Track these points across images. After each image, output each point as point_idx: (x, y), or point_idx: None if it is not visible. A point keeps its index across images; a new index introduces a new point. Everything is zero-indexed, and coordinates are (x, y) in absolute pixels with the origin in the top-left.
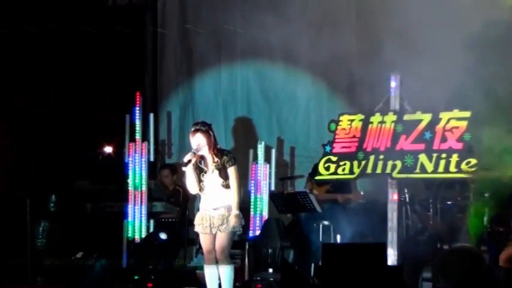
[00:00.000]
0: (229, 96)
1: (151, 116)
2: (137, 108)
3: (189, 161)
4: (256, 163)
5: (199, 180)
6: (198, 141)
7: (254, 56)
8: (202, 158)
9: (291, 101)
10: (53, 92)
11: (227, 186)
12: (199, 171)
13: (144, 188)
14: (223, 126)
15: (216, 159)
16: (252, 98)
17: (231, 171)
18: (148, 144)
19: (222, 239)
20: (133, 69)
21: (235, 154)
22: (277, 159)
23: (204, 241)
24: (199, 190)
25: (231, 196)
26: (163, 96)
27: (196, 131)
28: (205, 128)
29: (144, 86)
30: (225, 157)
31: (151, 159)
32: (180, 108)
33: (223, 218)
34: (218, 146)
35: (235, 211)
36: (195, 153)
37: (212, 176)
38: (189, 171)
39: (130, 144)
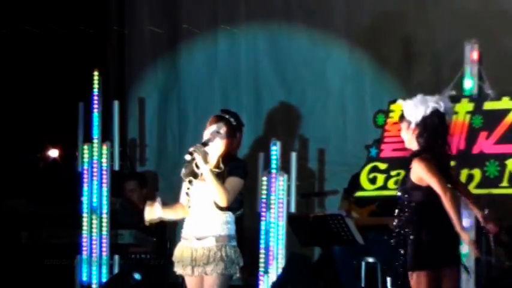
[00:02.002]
0: (229, 75)
1: (116, 104)
2: (95, 94)
3: (195, 150)
4: (269, 173)
5: (187, 187)
6: (216, 129)
7: (265, 16)
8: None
9: (318, 82)
10: None
11: (221, 208)
12: (190, 173)
13: (105, 209)
14: None
15: (221, 165)
16: (262, 78)
17: (232, 181)
18: (112, 146)
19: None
20: (89, 35)
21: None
22: (299, 168)
23: (188, 287)
24: (186, 204)
25: (221, 216)
26: (134, 76)
27: (219, 117)
28: (235, 123)
29: (106, 61)
30: (233, 163)
31: (116, 167)
32: (158, 94)
33: (211, 253)
34: (233, 153)
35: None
36: (206, 143)
37: (203, 187)
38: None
39: (85, 146)
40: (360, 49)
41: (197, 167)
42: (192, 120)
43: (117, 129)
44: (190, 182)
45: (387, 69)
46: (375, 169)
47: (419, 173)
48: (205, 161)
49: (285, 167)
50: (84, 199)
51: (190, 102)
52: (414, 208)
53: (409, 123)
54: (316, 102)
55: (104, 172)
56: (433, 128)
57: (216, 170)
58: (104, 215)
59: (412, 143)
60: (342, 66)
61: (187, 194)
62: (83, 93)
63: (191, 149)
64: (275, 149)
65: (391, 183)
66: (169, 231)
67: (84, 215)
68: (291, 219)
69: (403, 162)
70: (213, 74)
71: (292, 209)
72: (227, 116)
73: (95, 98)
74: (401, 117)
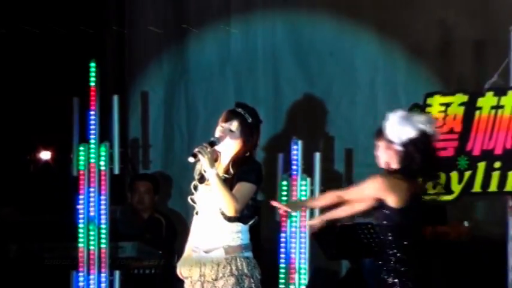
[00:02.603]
0: (244, 66)
1: (116, 99)
2: (92, 87)
3: (200, 151)
4: (289, 176)
5: (191, 193)
6: (230, 128)
7: (284, 1)
8: (215, 158)
9: (345, 74)
10: None
11: (229, 218)
12: (197, 176)
13: (103, 219)
14: None
15: (231, 169)
16: (282, 69)
17: (241, 187)
18: (111, 147)
19: None
20: (86, 23)
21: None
22: (323, 170)
23: None
24: (194, 211)
25: (230, 224)
26: (137, 67)
27: (233, 114)
28: (252, 120)
29: (104, 50)
30: (245, 167)
31: (116, 170)
32: (164, 87)
33: (220, 267)
34: (249, 155)
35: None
36: (214, 143)
37: (210, 192)
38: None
39: (81, 147)
40: (392, 36)
41: (200, 181)
42: (202, 116)
43: (117, 127)
44: (195, 187)
45: (423, 59)
46: None
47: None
48: (212, 164)
49: (307, 170)
50: (80, 207)
51: (200, 96)
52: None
53: (391, 142)
54: (342, 96)
55: (103, 177)
56: (425, 149)
57: (225, 175)
58: (103, 225)
59: (391, 162)
60: (371, 56)
61: (192, 200)
62: (78, 87)
63: (196, 150)
64: (296, 149)
65: (429, 187)
66: (178, 243)
67: (80, 225)
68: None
69: (442, 164)
70: (226, 64)
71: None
72: (242, 112)
73: (92, 92)
74: (379, 134)
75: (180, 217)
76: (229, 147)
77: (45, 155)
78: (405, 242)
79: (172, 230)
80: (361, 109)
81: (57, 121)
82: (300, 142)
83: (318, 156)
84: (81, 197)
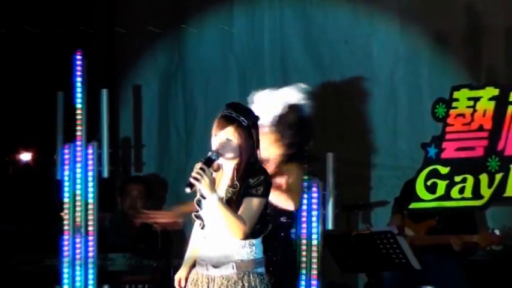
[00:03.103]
0: (249, 55)
1: (105, 93)
2: (78, 81)
3: (197, 178)
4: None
5: (196, 209)
6: (226, 137)
7: None
8: (217, 168)
9: (361, 65)
10: None
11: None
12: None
13: (91, 227)
14: None
15: (237, 181)
16: (291, 59)
17: (249, 205)
18: (100, 147)
19: None
20: (75, 17)
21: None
22: (336, 173)
23: None
24: (200, 227)
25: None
26: (128, 57)
27: (226, 120)
28: (246, 122)
29: (92, 39)
30: (251, 180)
31: (105, 173)
32: (159, 80)
33: (230, 283)
34: (253, 160)
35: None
36: (212, 160)
37: None
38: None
39: (66, 147)
40: (415, 22)
41: (203, 196)
42: (201, 112)
43: (106, 125)
44: (198, 203)
45: (449, 48)
46: (434, 174)
47: None
48: (212, 188)
49: (318, 172)
50: (65, 214)
51: (199, 90)
52: None
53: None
54: (359, 89)
55: (90, 180)
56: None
57: (232, 189)
58: (90, 235)
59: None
60: (391, 45)
61: (196, 216)
62: (63, 81)
63: (191, 177)
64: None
65: (454, 192)
66: (174, 254)
67: (65, 235)
68: (328, 238)
69: (470, 165)
70: (228, 55)
71: (329, 226)
72: (236, 116)
73: (78, 85)
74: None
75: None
76: (230, 157)
77: (26, 157)
78: None
79: (168, 239)
80: (380, 104)
81: (39, 119)
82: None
83: (330, 156)
84: (66, 203)
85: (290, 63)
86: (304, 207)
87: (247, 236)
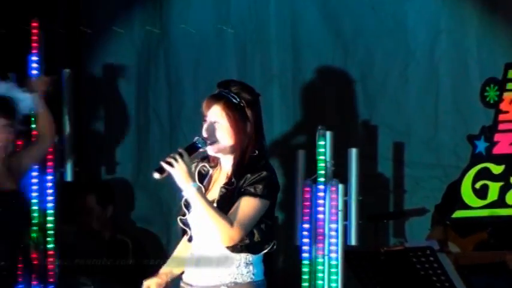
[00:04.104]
0: (249, 26)
1: (66, 74)
2: (33, 59)
3: (170, 162)
4: (314, 182)
5: (183, 212)
6: (214, 120)
7: None
8: (209, 161)
9: (393, 39)
10: None
11: (233, 248)
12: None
13: (51, 244)
14: None
15: (233, 178)
16: (304, 33)
17: (245, 205)
18: (62, 143)
19: None
20: None
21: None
22: (360, 172)
23: None
24: (186, 237)
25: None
26: (96, 30)
27: (216, 98)
28: (237, 99)
29: (52, 7)
30: (249, 175)
31: (68, 177)
32: (136, 58)
33: None
34: (256, 153)
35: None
36: (196, 147)
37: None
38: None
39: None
40: None
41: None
42: (189, 99)
43: (67, 115)
44: (186, 205)
45: (502, 17)
46: (484, 174)
47: None
48: (188, 177)
49: (339, 172)
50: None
51: (186, 71)
52: None
53: None
54: (389, 69)
55: (49, 185)
56: None
57: (227, 186)
58: (51, 254)
59: None
60: (430, 13)
61: (183, 223)
62: (15, 59)
63: (165, 160)
64: (324, 144)
65: (510, 197)
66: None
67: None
68: (351, 255)
69: None
70: (224, 25)
71: (352, 240)
72: (224, 92)
73: (34, 65)
74: None
75: (154, 237)
76: (224, 145)
77: None
78: None
79: (142, 254)
80: (416, 88)
81: None
82: (328, 134)
83: (354, 153)
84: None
85: (303, 36)
86: (320, 216)
87: (245, 246)
